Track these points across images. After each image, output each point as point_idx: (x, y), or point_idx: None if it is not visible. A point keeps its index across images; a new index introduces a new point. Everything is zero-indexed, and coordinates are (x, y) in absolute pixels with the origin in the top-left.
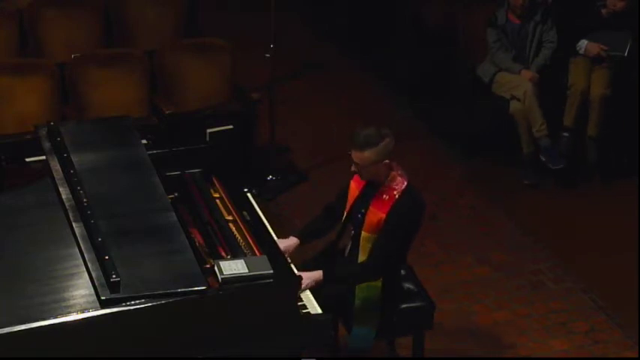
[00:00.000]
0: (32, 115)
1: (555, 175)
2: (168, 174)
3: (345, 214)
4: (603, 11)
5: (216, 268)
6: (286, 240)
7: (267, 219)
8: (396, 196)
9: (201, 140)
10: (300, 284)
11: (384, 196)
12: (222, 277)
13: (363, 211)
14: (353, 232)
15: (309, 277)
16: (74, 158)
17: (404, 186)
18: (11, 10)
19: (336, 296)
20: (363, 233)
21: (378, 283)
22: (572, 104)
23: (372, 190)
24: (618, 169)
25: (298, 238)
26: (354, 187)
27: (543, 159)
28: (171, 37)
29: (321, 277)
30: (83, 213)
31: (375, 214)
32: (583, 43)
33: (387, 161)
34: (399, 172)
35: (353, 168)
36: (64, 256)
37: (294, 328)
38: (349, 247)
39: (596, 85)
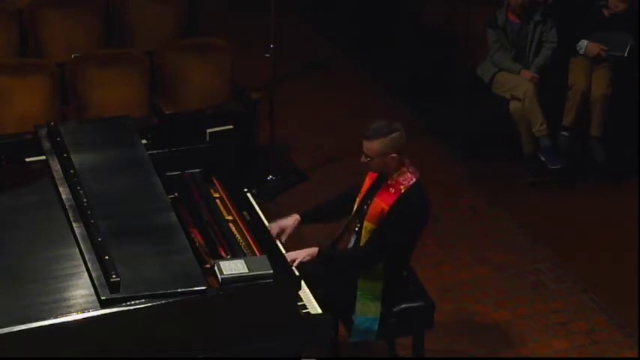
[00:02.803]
0: (32, 115)
1: (555, 174)
2: (168, 174)
3: (355, 208)
4: (605, 12)
5: (216, 268)
6: (288, 218)
7: (267, 219)
8: (402, 191)
9: (201, 140)
10: (301, 285)
11: (391, 189)
12: (222, 277)
13: (368, 202)
14: (358, 225)
15: (304, 250)
16: (74, 158)
17: (412, 182)
18: (11, 10)
19: (337, 297)
20: (365, 223)
21: (380, 277)
22: (572, 104)
23: (381, 183)
24: (618, 169)
25: (300, 217)
26: (367, 182)
27: (542, 159)
28: (171, 37)
29: (316, 252)
30: (83, 213)
31: (378, 205)
32: (583, 44)
33: (394, 155)
34: (410, 170)
35: (362, 159)
36: (64, 256)
37: (294, 328)
38: (353, 241)
39: (596, 85)
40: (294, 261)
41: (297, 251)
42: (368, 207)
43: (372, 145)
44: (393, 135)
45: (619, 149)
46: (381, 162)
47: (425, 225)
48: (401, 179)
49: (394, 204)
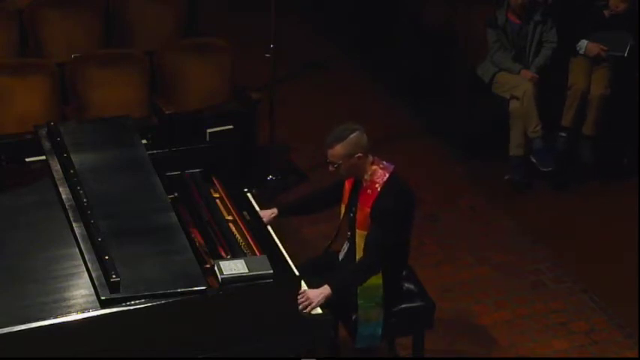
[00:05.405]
0: (32, 115)
1: (553, 175)
2: (168, 174)
3: (342, 216)
4: (605, 12)
5: (216, 268)
6: (266, 210)
7: None
8: (378, 189)
9: (201, 140)
10: (300, 285)
11: (368, 190)
12: (222, 277)
13: (354, 209)
14: (349, 233)
15: (318, 294)
16: (74, 158)
17: (385, 178)
18: (11, 10)
19: (338, 300)
20: (358, 231)
21: (379, 281)
22: (571, 104)
23: (359, 187)
24: (618, 169)
25: (278, 210)
26: (347, 188)
27: (534, 160)
28: (171, 37)
29: (330, 291)
30: (83, 213)
31: (363, 210)
32: (583, 44)
33: (360, 154)
34: (381, 166)
35: (330, 168)
36: (64, 256)
37: (294, 328)
38: (346, 249)
39: (596, 85)
40: (309, 304)
41: (313, 294)
42: (355, 215)
43: (335, 151)
44: (353, 135)
45: (618, 149)
46: (348, 165)
47: (412, 215)
48: (374, 178)
49: (373, 204)
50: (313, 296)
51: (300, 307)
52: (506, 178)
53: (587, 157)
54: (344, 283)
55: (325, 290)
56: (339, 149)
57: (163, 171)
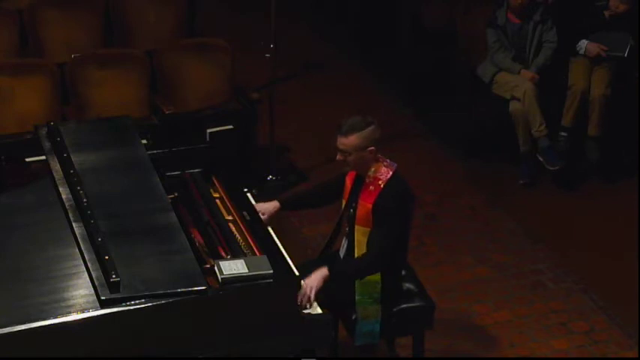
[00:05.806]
0: (32, 115)
1: (554, 175)
2: (168, 174)
3: (342, 209)
4: (605, 13)
5: (216, 268)
6: (268, 203)
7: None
8: (381, 186)
9: (201, 140)
10: (300, 285)
11: (370, 187)
12: (222, 277)
13: (354, 205)
14: (347, 228)
15: (315, 278)
16: (74, 158)
17: (389, 175)
18: (11, 10)
19: (337, 297)
20: (357, 227)
21: (378, 278)
22: (571, 104)
23: (361, 183)
24: (618, 169)
25: (280, 203)
26: (348, 184)
27: (541, 159)
28: (171, 37)
29: (327, 273)
30: (83, 213)
31: (364, 206)
32: (583, 44)
33: (372, 148)
34: (385, 163)
35: (338, 157)
36: (64, 256)
37: (294, 328)
38: (345, 245)
39: (596, 86)
40: (310, 291)
41: (311, 279)
42: (355, 210)
43: (349, 141)
44: (369, 128)
45: (617, 149)
46: (358, 157)
47: (412, 215)
48: (378, 175)
49: (376, 201)
50: (311, 282)
51: (303, 299)
52: (521, 182)
53: (593, 158)
54: (341, 276)
55: (323, 272)
56: (353, 139)
57: (163, 171)
